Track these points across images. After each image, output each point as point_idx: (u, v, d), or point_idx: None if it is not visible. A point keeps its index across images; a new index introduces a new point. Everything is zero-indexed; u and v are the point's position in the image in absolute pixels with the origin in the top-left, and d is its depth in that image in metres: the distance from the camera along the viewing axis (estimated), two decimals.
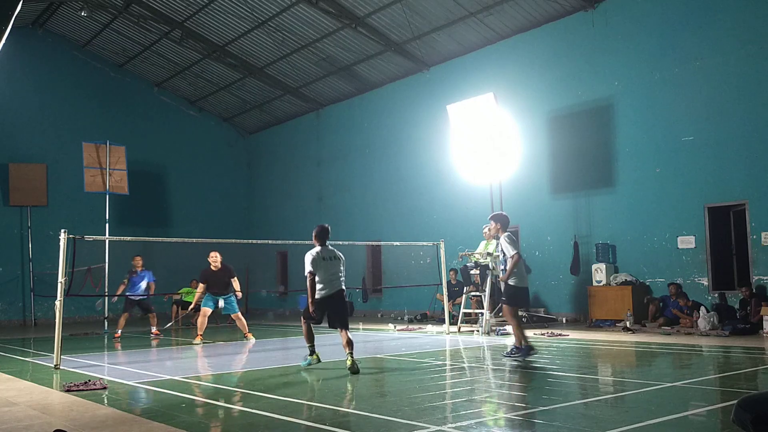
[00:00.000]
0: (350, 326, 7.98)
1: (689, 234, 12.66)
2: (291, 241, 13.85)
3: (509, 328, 10.23)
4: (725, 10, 12.34)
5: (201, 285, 12.16)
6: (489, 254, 12.45)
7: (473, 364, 8.54)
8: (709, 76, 12.51)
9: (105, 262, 15.68)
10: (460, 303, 13.79)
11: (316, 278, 7.70)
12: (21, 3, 4.42)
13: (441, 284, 13.40)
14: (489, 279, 12.37)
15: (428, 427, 4.60)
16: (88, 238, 9.45)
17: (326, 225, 8.14)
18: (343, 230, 18.61)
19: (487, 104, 13.55)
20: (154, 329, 13.74)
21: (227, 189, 24.31)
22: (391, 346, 10.75)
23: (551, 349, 9.08)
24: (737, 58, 12.16)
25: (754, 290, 11.48)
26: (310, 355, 7.93)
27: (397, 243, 15.95)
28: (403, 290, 17.60)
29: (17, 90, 19.96)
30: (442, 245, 13.41)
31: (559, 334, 11.28)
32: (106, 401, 6.06)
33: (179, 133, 23.31)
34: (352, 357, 7.51)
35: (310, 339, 7.99)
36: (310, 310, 7.73)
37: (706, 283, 12.42)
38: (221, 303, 12.15)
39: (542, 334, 11.17)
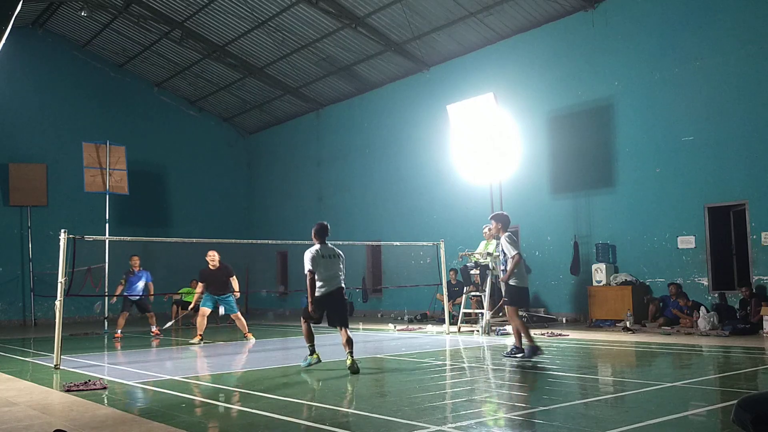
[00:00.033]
0: (350, 326, 7.97)
1: (689, 234, 12.67)
2: (291, 241, 13.86)
3: (509, 328, 10.23)
4: (725, 10, 12.34)
5: (200, 284, 12.19)
6: (489, 254, 12.45)
7: (473, 364, 8.53)
8: (709, 76, 12.51)
9: (105, 262, 15.68)
10: (460, 303, 13.79)
11: (316, 276, 7.68)
12: (21, 3, 4.41)
13: (441, 284, 13.40)
14: (489, 279, 12.37)
15: (428, 427, 4.60)
16: (88, 238, 9.45)
17: (325, 223, 8.13)
18: (343, 230, 18.61)
19: (487, 104, 13.56)
20: (154, 328, 13.76)
21: (227, 189, 24.31)
22: (391, 346, 10.75)
23: (551, 349, 9.08)
24: (737, 58, 12.16)
25: (754, 290, 11.48)
26: (310, 354, 7.89)
27: (397, 243, 15.96)
28: (403, 290, 17.60)
29: (17, 90, 19.96)
30: (442, 245, 13.41)
31: (559, 334, 11.28)
32: (106, 401, 6.06)
33: (179, 133, 23.31)
34: (352, 356, 7.51)
35: (310, 339, 7.95)
36: (309, 309, 7.71)
37: (706, 283, 12.43)
38: (222, 310, 12.17)
39: (542, 334, 11.17)
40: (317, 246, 7.84)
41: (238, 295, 12.49)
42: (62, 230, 8.69)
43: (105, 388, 6.69)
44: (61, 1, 18.92)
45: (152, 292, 13.77)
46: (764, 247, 11.69)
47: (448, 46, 17.11)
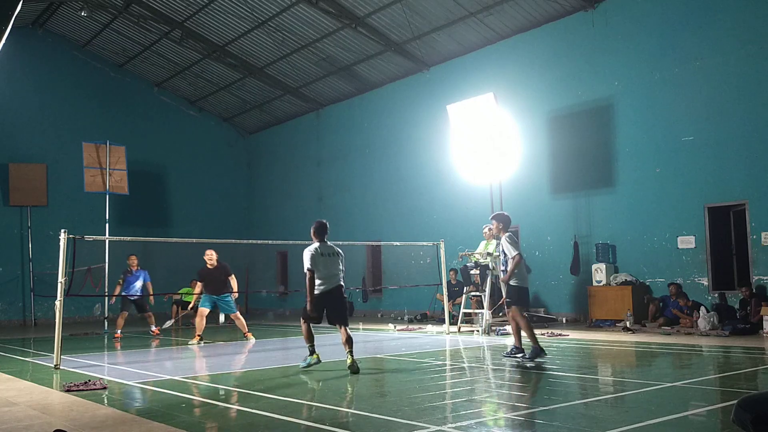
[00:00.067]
0: (350, 327, 7.96)
1: (689, 234, 12.67)
2: (291, 241, 13.85)
3: (509, 328, 10.23)
4: (725, 10, 12.34)
5: (198, 284, 12.18)
6: (489, 254, 12.45)
7: (473, 364, 8.53)
8: (709, 76, 12.51)
9: (105, 262, 15.67)
10: (460, 303, 13.79)
11: (315, 274, 7.65)
12: (21, 3, 4.41)
13: (441, 284, 13.40)
14: (489, 279, 12.38)
15: (428, 427, 4.60)
16: (88, 238, 9.45)
17: (324, 221, 8.10)
18: (343, 230, 18.61)
19: (487, 104, 13.56)
20: (153, 328, 13.76)
21: (227, 189, 24.31)
22: (391, 346, 10.75)
23: (551, 349, 9.07)
24: (737, 58, 12.16)
25: (754, 290, 11.48)
26: (310, 355, 7.85)
27: (397, 243, 15.95)
28: (403, 290, 17.60)
29: (17, 90, 19.96)
30: (442, 245, 13.41)
31: (559, 334, 11.28)
32: (106, 401, 6.06)
33: (179, 133, 23.31)
34: (352, 356, 7.50)
35: (310, 339, 7.91)
36: (308, 307, 7.69)
37: (706, 283, 12.43)
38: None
39: (542, 334, 11.15)
40: (316, 244, 7.82)
41: (236, 295, 12.45)
42: (62, 230, 8.69)
43: (105, 388, 6.69)
44: (61, 1, 18.92)
45: (151, 292, 13.77)
46: (764, 247, 11.69)
47: (448, 46, 17.11)
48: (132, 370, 8.59)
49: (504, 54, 16.19)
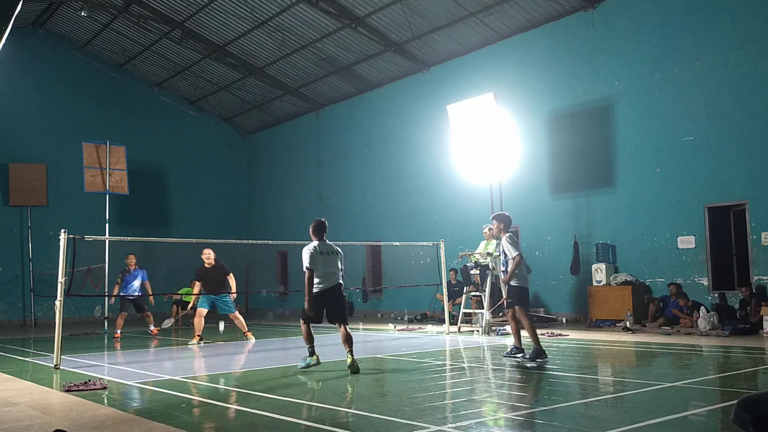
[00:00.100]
0: (350, 327, 7.95)
1: (689, 234, 12.67)
2: (291, 241, 13.83)
3: (509, 328, 10.22)
4: (725, 10, 12.34)
5: (197, 283, 12.16)
6: (489, 254, 12.45)
7: (473, 364, 8.53)
8: (709, 76, 12.51)
9: (105, 262, 15.68)
10: (460, 303, 13.79)
11: (314, 273, 7.63)
12: (21, 3, 4.41)
13: (441, 284, 13.40)
14: (489, 279, 12.38)
15: (428, 427, 4.60)
16: (88, 238, 9.45)
17: (323, 219, 8.09)
18: (343, 230, 18.61)
19: (487, 104, 13.56)
20: (152, 327, 13.75)
21: (227, 189, 24.31)
22: (391, 346, 10.75)
23: (551, 349, 9.07)
24: (737, 58, 12.16)
25: (754, 290, 11.48)
26: (310, 356, 7.80)
27: (397, 243, 15.95)
28: (403, 290, 17.60)
29: (17, 90, 19.96)
30: (442, 245, 13.41)
31: (559, 334, 11.28)
32: (106, 401, 6.06)
33: (179, 133, 23.31)
34: (352, 355, 7.49)
35: (310, 340, 7.86)
36: (306, 306, 7.67)
37: (706, 283, 12.43)
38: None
39: (542, 334, 11.13)
40: (315, 243, 7.81)
41: (235, 295, 12.40)
42: (62, 230, 8.69)
43: (105, 388, 6.69)
44: (61, 1, 18.92)
45: (150, 292, 13.75)
46: (764, 247, 11.69)
47: (448, 46, 17.11)
48: (132, 370, 8.59)
49: (504, 54, 16.19)
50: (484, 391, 6.32)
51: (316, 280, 7.63)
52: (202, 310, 11.97)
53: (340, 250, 7.96)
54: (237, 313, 12.22)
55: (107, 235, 15.02)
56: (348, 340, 7.60)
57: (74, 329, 15.59)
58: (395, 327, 14.28)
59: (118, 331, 13.23)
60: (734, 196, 12.19)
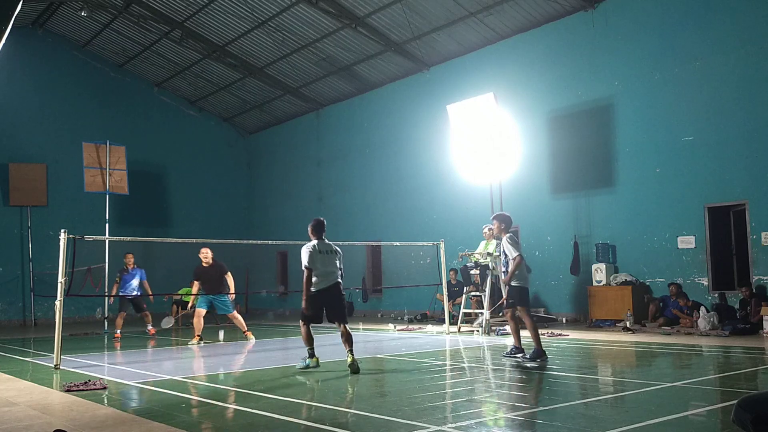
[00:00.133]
0: (351, 327, 7.95)
1: (689, 234, 12.67)
2: (291, 241, 13.82)
3: (508, 328, 10.23)
4: (725, 10, 12.34)
5: (195, 282, 12.15)
6: (489, 254, 12.46)
7: (473, 364, 8.53)
8: (709, 76, 12.51)
9: (105, 262, 15.68)
10: (460, 303, 13.79)
11: (313, 272, 7.61)
12: (21, 3, 4.41)
13: (441, 284, 13.40)
14: (489, 279, 12.38)
15: (428, 427, 4.60)
16: (88, 238, 9.45)
17: (322, 218, 8.07)
18: (343, 230, 18.62)
19: (487, 104, 13.56)
20: (149, 327, 13.73)
21: (227, 189, 24.31)
22: (391, 346, 10.75)
23: (551, 349, 9.07)
24: (737, 58, 12.16)
25: (754, 290, 11.48)
26: (310, 357, 7.77)
27: (397, 243, 15.95)
28: (403, 290, 17.60)
29: (17, 90, 19.95)
30: (442, 245, 13.40)
31: (559, 334, 11.28)
32: (106, 401, 6.06)
33: (179, 133, 23.31)
34: (352, 354, 7.49)
35: (310, 342, 7.82)
36: (303, 305, 7.65)
37: (706, 283, 12.42)
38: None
39: (542, 334, 11.10)
40: (314, 242, 7.80)
41: (233, 296, 12.33)
42: (62, 230, 8.69)
43: (105, 388, 6.69)
44: (61, 1, 18.92)
45: (149, 290, 13.74)
46: (764, 247, 11.69)
47: (448, 46, 17.11)
48: (132, 370, 8.59)
49: (504, 54, 16.19)
50: (484, 391, 6.32)
51: (314, 279, 7.62)
52: (201, 311, 11.97)
53: (339, 249, 7.95)
54: (235, 312, 12.22)
55: (107, 235, 15.02)
56: (348, 340, 7.60)
57: (74, 329, 15.59)
58: (395, 327, 14.28)
59: (118, 331, 13.22)
60: (734, 196, 12.19)
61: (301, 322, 7.90)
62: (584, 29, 14.52)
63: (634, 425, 4.53)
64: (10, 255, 19.50)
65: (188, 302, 15.56)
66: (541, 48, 15.35)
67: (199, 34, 19.06)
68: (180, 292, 16.72)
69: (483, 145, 13.68)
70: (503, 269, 8.52)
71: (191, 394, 6.59)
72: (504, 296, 9.47)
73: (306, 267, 7.60)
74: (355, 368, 7.35)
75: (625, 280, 13.09)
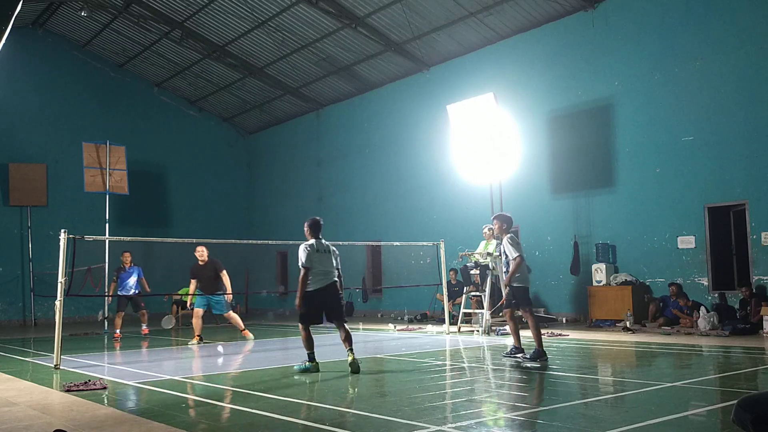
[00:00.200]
0: (351, 327, 7.95)
1: (689, 234, 12.67)
2: (291, 241, 13.80)
3: (508, 328, 10.23)
4: (725, 10, 12.34)
5: (192, 281, 12.14)
6: (489, 254, 12.45)
7: (473, 364, 8.53)
8: (709, 76, 12.51)
9: (105, 262, 15.68)
10: (460, 303, 13.79)
11: (310, 271, 7.59)
12: (21, 3, 4.41)
13: (441, 284, 13.40)
14: (489, 279, 12.38)
15: (428, 427, 4.60)
16: (88, 238, 9.45)
17: (318, 218, 8.05)
18: (343, 230, 18.63)
19: (487, 104, 13.56)
20: (144, 327, 13.70)
21: (227, 189, 24.31)
22: (391, 346, 10.75)
23: (551, 349, 9.07)
24: (737, 58, 12.16)
25: (754, 290, 11.48)
26: (310, 361, 7.66)
27: (397, 243, 15.95)
28: (403, 290, 17.60)
29: (17, 90, 19.95)
30: (442, 245, 13.40)
31: (559, 334, 11.28)
32: (106, 401, 6.06)
33: (179, 133, 23.31)
34: (352, 353, 7.49)
35: (310, 345, 7.70)
36: (297, 303, 7.64)
37: (706, 283, 12.42)
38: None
39: (542, 334, 11.14)
40: (312, 241, 7.81)
41: (230, 297, 12.22)
42: (62, 230, 8.68)
43: (105, 388, 6.69)
44: (61, 1, 18.92)
45: (147, 287, 13.71)
46: (764, 247, 11.69)
47: (448, 46, 17.11)
48: (132, 370, 8.59)
49: (504, 54, 16.19)
50: (484, 391, 6.32)
51: (312, 279, 7.62)
52: (199, 311, 11.95)
53: (335, 249, 7.95)
54: (231, 312, 12.17)
55: (107, 235, 15.02)
56: (347, 339, 7.59)
57: (74, 329, 15.59)
58: (395, 327, 14.28)
59: (118, 331, 13.21)
60: (734, 196, 12.19)
61: (300, 326, 7.81)
62: (584, 29, 14.52)
63: (634, 425, 4.53)
64: (10, 255, 19.51)
65: (187, 302, 15.59)
66: (541, 48, 15.35)
67: (199, 34, 19.06)
68: (180, 292, 16.73)
69: (483, 145, 13.68)
70: (504, 269, 8.52)
71: (191, 394, 6.59)
72: (504, 297, 9.46)
73: (303, 266, 7.60)
74: (355, 367, 7.35)
75: (625, 280, 13.09)
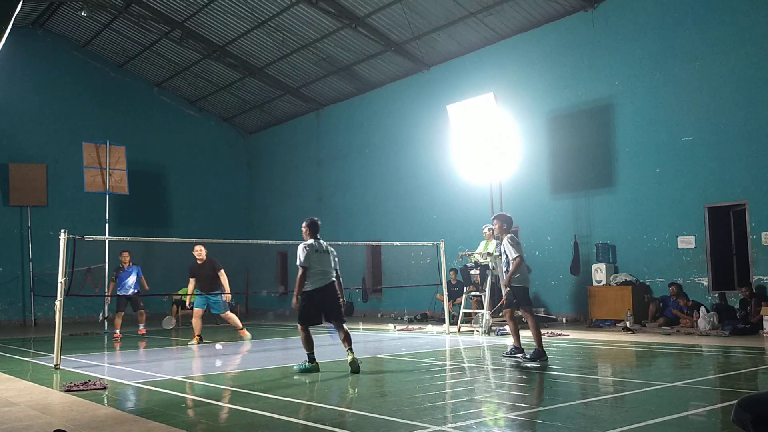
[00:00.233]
0: (351, 327, 7.95)
1: (689, 234, 12.67)
2: (291, 241, 13.79)
3: (508, 328, 10.23)
4: (725, 10, 12.34)
5: (191, 280, 12.13)
6: (489, 254, 12.45)
7: (473, 364, 8.53)
8: (709, 76, 12.51)
9: (105, 262, 15.68)
10: (460, 303, 13.79)
11: (308, 271, 7.60)
12: (21, 3, 4.41)
13: (441, 284, 13.40)
14: (489, 279, 12.38)
15: (428, 427, 4.60)
16: (88, 238, 9.45)
17: (316, 218, 8.07)
18: (343, 230, 18.63)
19: (487, 104, 13.56)
20: (141, 327, 13.68)
21: (227, 189, 24.31)
22: (391, 346, 10.75)
23: (551, 349, 9.07)
24: (737, 58, 12.16)
25: (754, 290, 11.48)
26: (309, 362, 7.66)
27: (397, 243, 15.95)
28: (403, 290, 17.60)
29: (17, 90, 19.95)
30: (442, 245, 13.40)
31: (559, 334, 11.28)
32: (106, 401, 6.06)
33: (179, 133, 23.31)
34: (352, 353, 7.49)
35: (310, 346, 7.70)
36: (293, 301, 7.64)
37: (706, 283, 12.42)
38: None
39: (542, 334, 11.14)
40: (310, 240, 7.82)
41: (228, 297, 12.19)
42: (62, 230, 8.69)
43: (105, 388, 6.69)
44: (61, 1, 18.92)
45: (147, 287, 13.71)
46: (764, 247, 11.69)
47: (448, 46, 17.11)
48: (132, 370, 8.60)
49: (504, 54, 16.19)
50: (484, 391, 6.32)
51: (310, 278, 7.63)
52: (198, 311, 11.94)
53: (333, 249, 7.96)
54: (228, 312, 12.14)
55: (107, 235, 15.02)
56: (347, 339, 7.60)
57: (74, 329, 15.59)
58: (395, 327, 14.28)
59: (118, 331, 13.21)
60: (734, 196, 12.19)
61: (299, 327, 7.78)
62: (584, 29, 14.52)
63: (634, 425, 4.53)
64: (10, 255, 19.51)
65: (187, 302, 15.58)
66: (541, 48, 15.35)
67: (199, 34, 19.06)
68: (180, 292, 16.72)
69: (483, 145, 13.68)
70: (504, 269, 8.52)
71: (191, 394, 6.59)
72: (504, 297, 9.46)
73: (301, 265, 7.60)
74: (355, 367, 7.36)
75: (625, 280, 13.09)
